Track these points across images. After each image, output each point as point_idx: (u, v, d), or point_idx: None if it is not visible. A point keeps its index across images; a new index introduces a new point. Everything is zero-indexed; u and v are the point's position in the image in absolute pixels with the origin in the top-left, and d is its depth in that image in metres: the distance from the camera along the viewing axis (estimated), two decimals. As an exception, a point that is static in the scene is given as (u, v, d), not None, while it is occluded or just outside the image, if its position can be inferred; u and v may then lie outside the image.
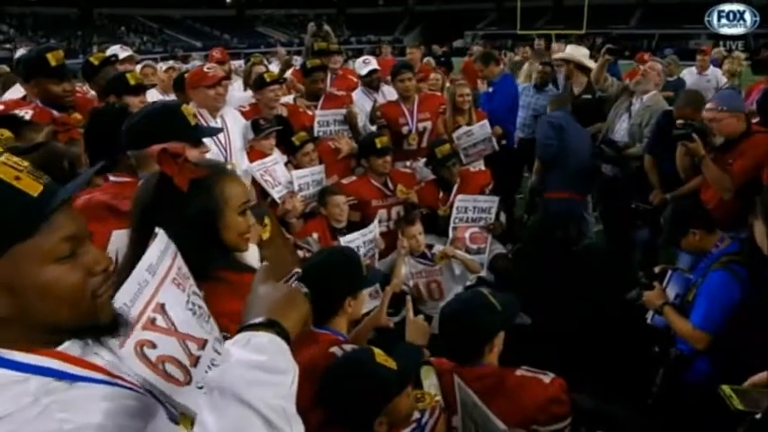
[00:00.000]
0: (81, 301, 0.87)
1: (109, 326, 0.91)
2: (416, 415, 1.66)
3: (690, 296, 2.68)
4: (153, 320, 1.04)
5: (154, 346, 1.04)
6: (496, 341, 1.89)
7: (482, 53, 5.69)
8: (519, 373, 1.84)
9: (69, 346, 0.88)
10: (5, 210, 0.79)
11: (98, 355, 0.94)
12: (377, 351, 1.56)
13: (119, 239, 1.66)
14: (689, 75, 7.45)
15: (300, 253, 3.05)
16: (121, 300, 0.96)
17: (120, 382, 0.90)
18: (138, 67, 4.90)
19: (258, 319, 0.96)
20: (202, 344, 1.13)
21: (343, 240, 3.25)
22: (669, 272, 2.90)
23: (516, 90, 5.57)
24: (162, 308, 1.07)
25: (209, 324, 1.21)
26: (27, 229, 0.81)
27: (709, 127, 3.32)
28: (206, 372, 1.11)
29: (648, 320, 2.93)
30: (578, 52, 5.37)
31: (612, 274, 4.70)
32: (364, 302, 2.05)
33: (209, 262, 1.49)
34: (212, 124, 3.09)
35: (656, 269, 2.96)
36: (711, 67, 7.57)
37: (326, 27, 6.14)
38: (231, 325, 1.53)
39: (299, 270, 1.42)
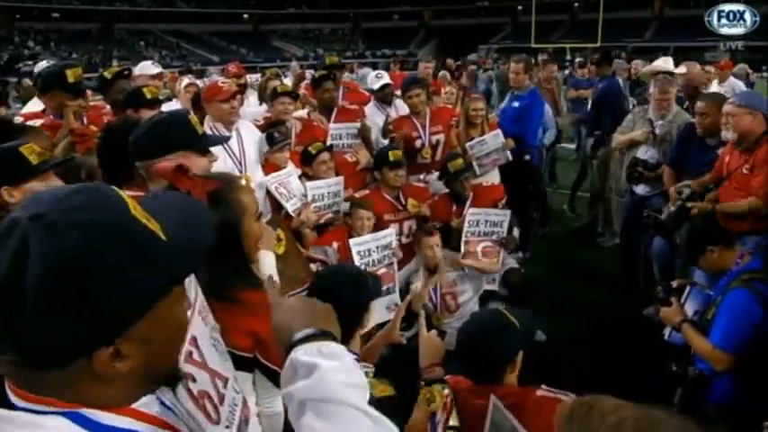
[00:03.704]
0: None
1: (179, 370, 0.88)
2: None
3: (709, 314, 2.60)
4: (190, 354, 1.02)
5: (194, 380, 1.02)
6: (516, 360, 1.85)
7: (526, 59, 5.56)
8: (539, 393, 1.76)
9: (148, 401, 0.81)
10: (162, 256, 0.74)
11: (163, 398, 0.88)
12: (376, 384, 1.53)
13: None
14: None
15: (313, 266, 3.04)
16: None
17: None
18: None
19: (310, 331, 0.95)
20: (225, 382, 1.12)
21: (353, 242, 3.24)
22: (688, 287, 2.83)
23: (544, 107, 5.56)
24: (195, 341, 1.05)
25: (228, 362, 1.20)
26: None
27: (725, 122, 3.32)
28: (231, 413, 1.07)
29: (666, 337, 2.86)
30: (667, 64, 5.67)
31: (628, 289, 4.64)
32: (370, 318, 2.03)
33: (226, 280, 1.49)
34: (227, 138, 3.11)
35: (674, 284, 2.89)
36: (732, 78, 7.50)
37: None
38: (248, 342, 1.53)
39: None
